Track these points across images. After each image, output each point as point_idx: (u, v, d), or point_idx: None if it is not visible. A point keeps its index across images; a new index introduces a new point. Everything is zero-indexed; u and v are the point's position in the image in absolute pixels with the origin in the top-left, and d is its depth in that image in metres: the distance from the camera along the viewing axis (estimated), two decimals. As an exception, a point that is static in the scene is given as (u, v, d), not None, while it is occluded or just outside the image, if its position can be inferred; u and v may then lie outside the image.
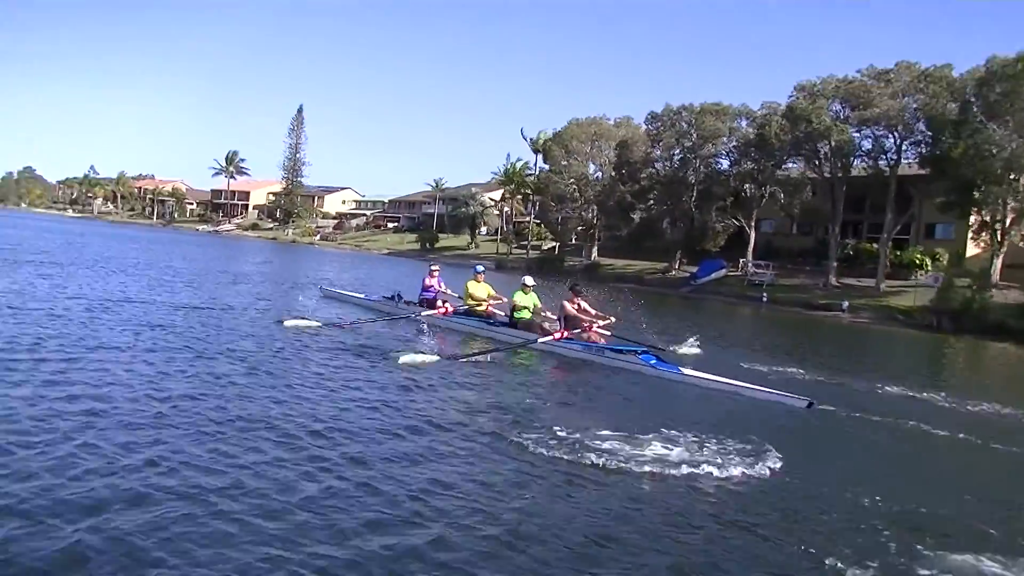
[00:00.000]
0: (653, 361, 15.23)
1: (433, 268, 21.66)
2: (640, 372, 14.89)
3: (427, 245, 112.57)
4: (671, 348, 18.52)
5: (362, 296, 23.53)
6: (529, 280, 18.51)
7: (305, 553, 5.68)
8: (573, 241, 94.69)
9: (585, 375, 14.49)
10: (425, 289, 21.07)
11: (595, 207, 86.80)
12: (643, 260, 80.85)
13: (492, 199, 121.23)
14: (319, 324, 17.06)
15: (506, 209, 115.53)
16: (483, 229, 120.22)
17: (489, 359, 14.89)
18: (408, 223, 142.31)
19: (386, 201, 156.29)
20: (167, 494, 6.41)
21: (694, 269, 74.44)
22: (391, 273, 52.08)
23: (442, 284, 21.09)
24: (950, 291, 52.64)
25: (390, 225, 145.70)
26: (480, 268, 20.47)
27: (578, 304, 17.25)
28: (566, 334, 16.58)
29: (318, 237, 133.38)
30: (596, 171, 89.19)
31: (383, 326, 18.38)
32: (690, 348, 19.48)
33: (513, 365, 14.96)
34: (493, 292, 19.86)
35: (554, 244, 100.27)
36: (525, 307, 18.03)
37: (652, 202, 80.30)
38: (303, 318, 17.53)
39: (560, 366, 15.27)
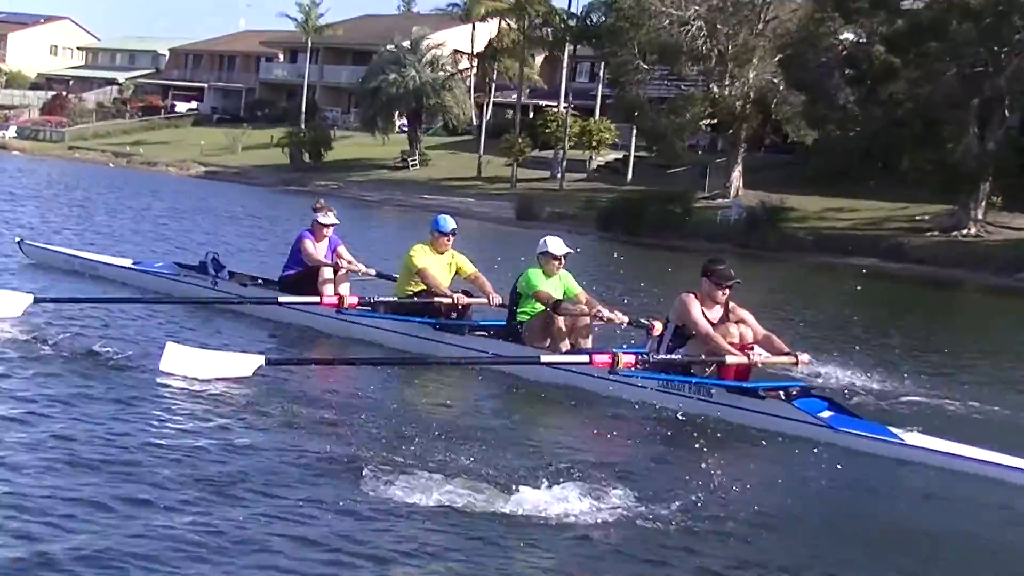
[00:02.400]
0: (826, 412, 7.41)
1: (322, 218, 10.24)
2: (801, 438, 7.19)
3: (307, 157, 56.33)
4: (852, 387, 9.07)
5: (128, 264, 11.81)
6: (557, 245, 8.76)
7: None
8: (686, 152, 43.05)
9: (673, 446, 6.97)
10: (296, 260, 10.17)
11: (752, 81, 38.69)
12: (869, 199, 36.83)
13: (460, 52, 57.83)
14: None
15: (496, 75, 55.75)
16: (439, 121, 57.96)
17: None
18: (228, 106, 72.74)
19: (164, 52, 79.67)
20: None
21: None
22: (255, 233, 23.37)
23: (343, 250, 10.41)
24: None
25: (181, 108, 73.64)
26: (447, 223, 9.57)
27: (722, 305, 7.80)
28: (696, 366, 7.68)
29: (10, 131, 68.72)
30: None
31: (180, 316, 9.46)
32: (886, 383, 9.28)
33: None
34: (471, 269, 9.73)
35: (621, 156, 46.98)
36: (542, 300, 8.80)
37: (929, 60, 32.70)
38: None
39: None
